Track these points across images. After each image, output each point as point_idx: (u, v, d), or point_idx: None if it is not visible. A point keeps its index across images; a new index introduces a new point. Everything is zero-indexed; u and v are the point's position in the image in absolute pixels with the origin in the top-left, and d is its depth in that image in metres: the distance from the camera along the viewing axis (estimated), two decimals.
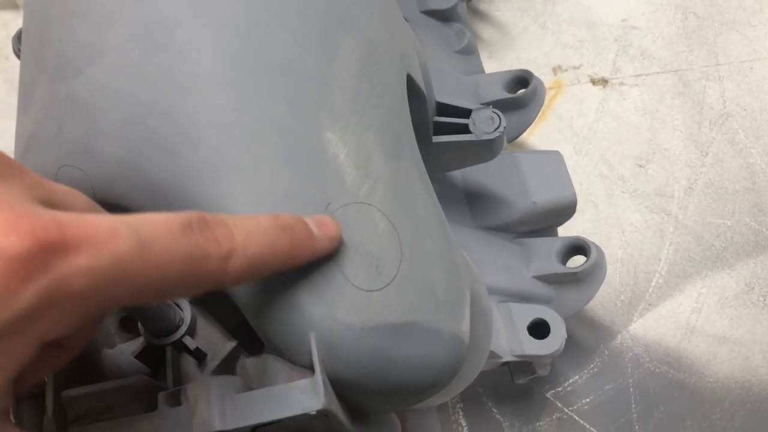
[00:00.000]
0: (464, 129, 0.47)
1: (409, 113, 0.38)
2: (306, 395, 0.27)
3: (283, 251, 0.27)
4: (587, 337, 0.58)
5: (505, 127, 0.46)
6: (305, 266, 0.29)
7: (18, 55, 0.66)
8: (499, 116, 0.47)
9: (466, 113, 0.47)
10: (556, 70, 0.71)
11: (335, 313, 0.29)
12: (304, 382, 0.28)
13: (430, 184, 0.36)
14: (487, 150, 0.47)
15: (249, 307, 0.31)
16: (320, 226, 0.29)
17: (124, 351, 0.36)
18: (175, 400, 0.29)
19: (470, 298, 0.34)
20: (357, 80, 0.35)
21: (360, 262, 0.30)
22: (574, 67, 0.70)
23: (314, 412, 0.27)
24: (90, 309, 0.22)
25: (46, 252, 0.20)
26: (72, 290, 0.21)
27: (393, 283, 0.30)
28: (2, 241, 0.20)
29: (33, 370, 0.24)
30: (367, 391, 0.30)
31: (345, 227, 0.30)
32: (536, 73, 0.65)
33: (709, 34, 0.71)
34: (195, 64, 0.33)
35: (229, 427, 0.27)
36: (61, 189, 0.26)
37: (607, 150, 0.66)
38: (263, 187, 0.31)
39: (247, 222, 0.27)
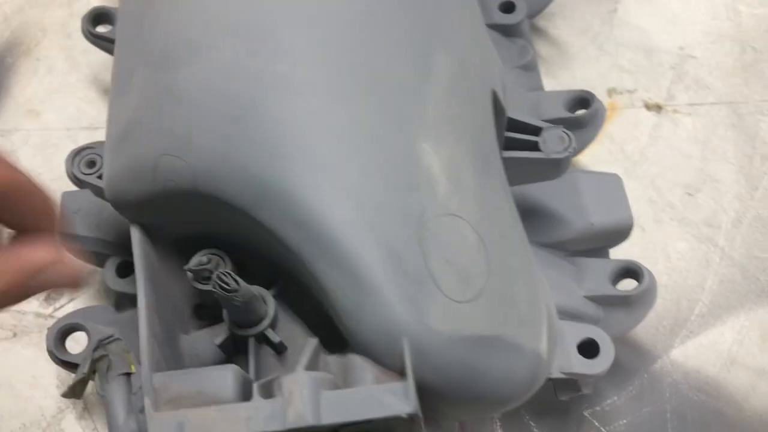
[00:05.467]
0: (534, 146, 0.48)
1: (494, 130, 0.38)
2: (397, 398, 0.28)
3: None
4: (628, 359, 0.58)
5: (575, 148, 0.47)
6: (401, 274, 0.30)
7: (87, 37, 0.67)
8: (569, 136, 0.48)
9: (536, 130, 0.48)
10: (610, 92, 0.71)
11: (427, 321, 0.30)
12: (396, 386, 0.29)
13: (513, 199, 0.37)
14: (554, 169, 0.48)
15: (340, 307, 0.32)
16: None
17: (202, 338, 0.37)
18: (268, 391, 0.30)
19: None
20: (450, 95, 0.36)
21: (451, 272, 0.31)
22: (629, 91, 0.71)
23: (405, 416, 0.28)
24: None
25: None
26: None
27: (481, 296, 0.31)
28: None
29: None
30: (448, 399, 0.31)
31: (437, 238, 0.31)
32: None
33: (765, 69, 0.71)
34: (298, 67, 0.34)
35: (323, 423, 0.28)
36: None
37: (658, 176, 0.66)
38: (363, 195, 0.32)
39: None
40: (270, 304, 0.35)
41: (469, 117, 0.36)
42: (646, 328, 0.59)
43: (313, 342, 0.34)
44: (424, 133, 0.34)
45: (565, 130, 0.48)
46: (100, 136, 0.73)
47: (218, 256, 0.37)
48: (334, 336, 0.34)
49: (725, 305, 0.60)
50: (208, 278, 0.36)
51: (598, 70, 0.73)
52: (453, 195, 0.32)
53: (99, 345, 0.33)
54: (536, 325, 0.33)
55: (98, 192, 0.49)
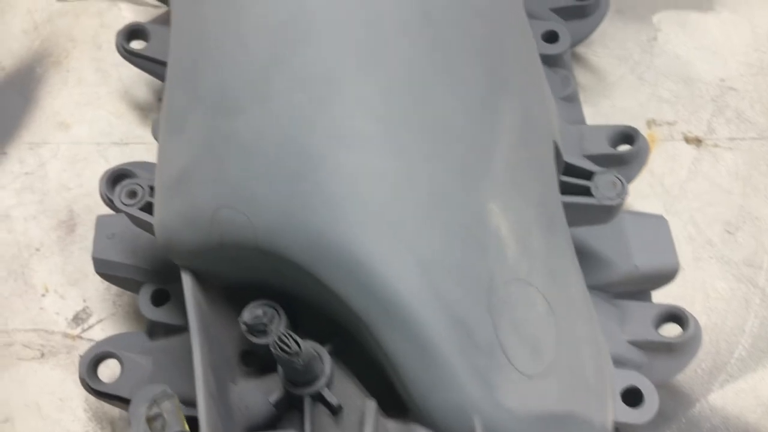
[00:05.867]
0: (585, 191, 0.46)
1: (557, 183, 0.37)
2: None
3: None
4: (665, 403, 0.57)
5: (627, 194, 0.46)
6: (471, 346, 0.29)
7: (121, 53, 0.66)
8: (621, 182, 0.46)
9: (588, 175, 0.47)
10: (650, 123, 0.70)
11: (499, 397, 0.29)
12: None
13: (576, 255, 0.36)
14: (606, 214, 0.47)
15: (405, 376, 0.31)
16: None
17: (252, 390, 0.36)
18: None
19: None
20: (517, 149, 0.35)
21: (522, 344, 0.30)
22: (669, 123, 0.70)
23: None
24: None
25: None
26: None
27: (551, 368, 0.30)
28: None
29: None
30: None
31: (508, 307, 0.30)
32: (630, 124, 0.65)
33: None
34: (364, 121, 0.33)
35: None
36: None
37: (697, 212, 0.65)
38: (431, 256, 0.31)
39: None
40: (326, 363, 0.34)
41: (535, 172, 0.35)
42: (684, 371, 0.58)
43: (372, 406, 0.33)
44: (491, 191, 0.33)
45: (618, 176, 0.46)
46: (131, 152, 0.73)
47: (273, 308, 0.36)
48: (391, 397, 0.33)
49: (766, 349, 0.59)
50: (263, 331, 0.35)
51: (637, 100, 0.71)
52: (522, 259, 0.32)
53: (153, 402, 0.32)
54: (603, 395, 0.32)
55: (138, 223, 0.48)
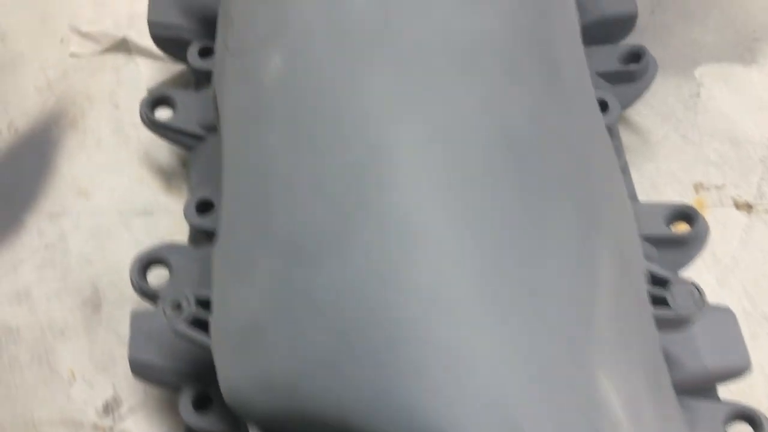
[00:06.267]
0: (661, 300, 0.44)
1: (655, 325, 0.35)
2: None
3: None
4: None
5: (706, 304, 0.44)
6: None
7: (146, 124, 0.63)
8: (699, 291, 0.44)
9: (663, 282, 0.44)
10: (697, 187, 0.68)
11: None
12: None
13: (681, 410, 0.33)
14: (680, 324, 0.44)
15: None
16: None
17: None
18: None
19: None
20: (617, 303, 0.32)
21: None
22: (717, 187, 0.67)
23: None
24: None
25: None
26: None
27: None
28: None
29: None
30: None
31: None
32: (677, 188, 0.63)
33: None
34: (458, 282, 0.30)
35: None
36: None
37: (752, 284, 0.63)
38: None
39: None
40: None
41: (638, 326, 0.32)
42: None
43: None
44: (599, 358, 0.30)
45: (696, 284, 0.44)
46: (155, 223, 0.69)
47: None
48: None
49: None
50: None
51: (683, 162, 0.69)
52: None
53: None
54: None
55: (186, 338, 0.45)
